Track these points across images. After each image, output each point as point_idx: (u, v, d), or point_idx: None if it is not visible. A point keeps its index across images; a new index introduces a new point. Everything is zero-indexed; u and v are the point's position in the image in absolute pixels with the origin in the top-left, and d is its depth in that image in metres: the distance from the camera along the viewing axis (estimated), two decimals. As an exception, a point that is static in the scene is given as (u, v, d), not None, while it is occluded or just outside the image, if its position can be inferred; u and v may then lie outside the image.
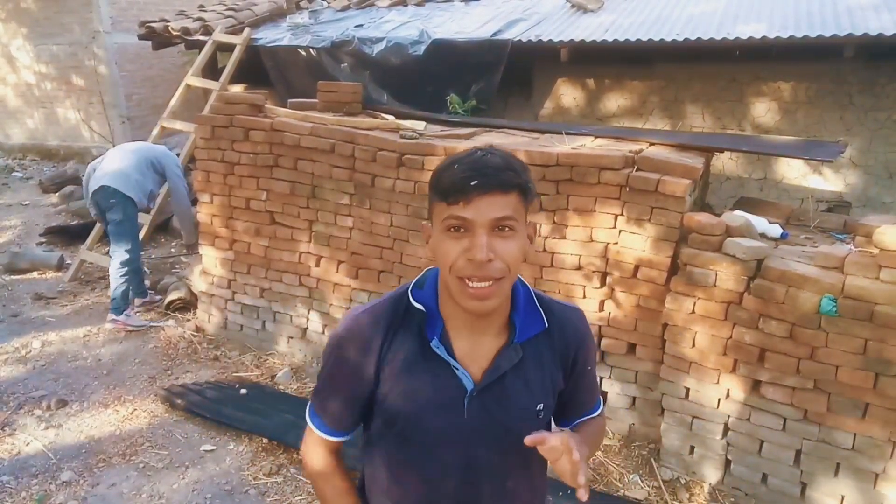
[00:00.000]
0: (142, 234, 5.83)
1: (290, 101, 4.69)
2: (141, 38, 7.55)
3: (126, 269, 4.68)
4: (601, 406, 1.40)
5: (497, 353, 1.17)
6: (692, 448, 3.14)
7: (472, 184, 1.04)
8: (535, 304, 1.21)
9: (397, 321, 1.19)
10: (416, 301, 1.19)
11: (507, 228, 1.07)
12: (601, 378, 3.42)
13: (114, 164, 4.72)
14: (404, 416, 1.18)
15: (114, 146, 4.74)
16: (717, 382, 2.98)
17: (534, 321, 1.19)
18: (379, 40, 6.16)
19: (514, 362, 1.17)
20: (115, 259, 4.69)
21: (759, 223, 3.14)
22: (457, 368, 1.16)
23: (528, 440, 1.07)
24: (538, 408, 1.20)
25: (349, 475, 1.32)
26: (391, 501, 1.26)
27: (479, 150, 1.11)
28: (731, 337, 2.90)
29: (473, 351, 1.17)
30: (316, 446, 1.28)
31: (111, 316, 4.70)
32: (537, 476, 1.32)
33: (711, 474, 3.12)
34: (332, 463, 1.28)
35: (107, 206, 4.66)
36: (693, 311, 2.97)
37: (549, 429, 1.24)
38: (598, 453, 3.33)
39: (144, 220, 5.85)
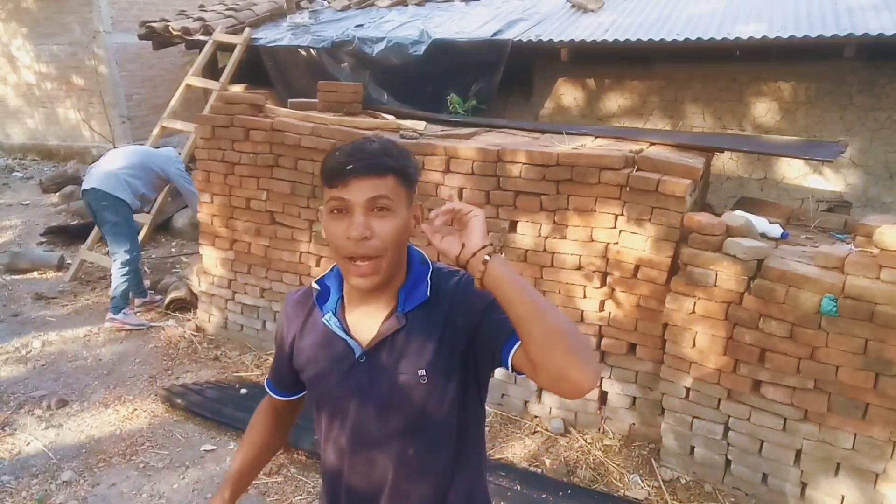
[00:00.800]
0: (142, 234, 5.84)
1: (290, 101, 4.69)
2: (141, 38, 7.55)
3: (127, 268, 4.69)
4: None
5: (382, 322, 1.26)
6: (692, 448, 3.14)
7: (347, 168, 1.13)
8: (426, 278, 1.28)
9: (309, 303, 1.35)
10: (317, 283, 1.34)
11: (383, 209, 1.15)
12: (601, 378, 3.42)
13: (105, 167, 4.73)
14: (309, 382, 1.34)
15: (114, 146, 4.73)
16: (718, 382, 2.98)
17: (418, 292, 1.26)
18: (379, 40, 6.16)
19: (393, 329, 1.24)
20: (117, 260, 4.70)
21: (760, 223, 3.15)
22: (345, 338, 1.27)
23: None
24: (419, 373, 1.23)
25: (274, 432, 1.54)
26: (324, 455, 1.39)
27: (363, 139, 1.20)
28: (731, 337, 2.90)
29: (363, 322, 1.27)
30: (263, 401, 1.55)
31: (110, 315, 4.71)
32: (449, 452, 1.30)
33: (711, 474, 3.12)
34: (266, 412, 1.53)
35: (98, 207, 4.68)
36: (693, 311, 2.97)
37: (439, 394, 1.24)
38: (598, 453, 3.34)
39: (144, 220, 5.86)
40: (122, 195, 4.65)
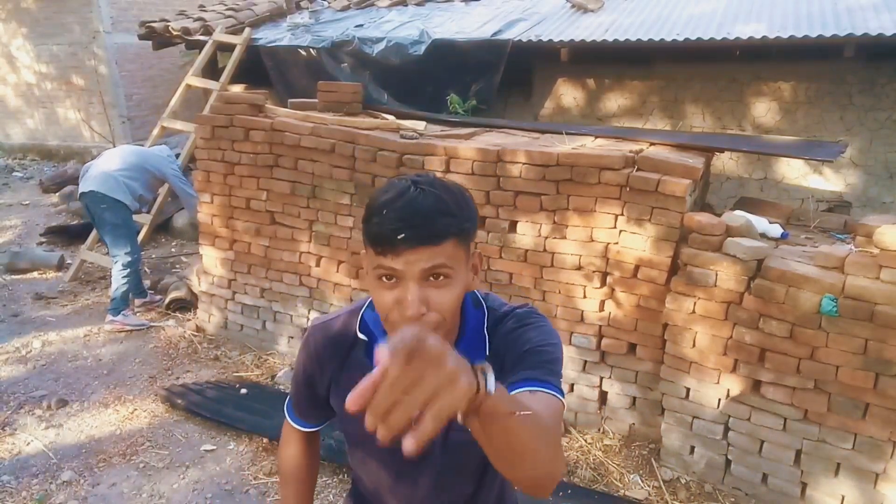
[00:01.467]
0: (142, 235, 5.84)
1: (290, 101, 4.68)
2: (141, 38, 7.54)
3: (129, 270, 4.68)
4: (549, 387, 1.07)
5: None
6: (692, 448, 3.14)
7: (399, 237, 0.97)
8: (482, 330, 1.16)
9: (348, 342, 1.21)
10: (362, 331, 1.20)
11: (441, 276, 1.00)
12: (601, 378, 3.43)
13: (103, 168, 4.70)
14: (349, 422, 1.22)
15: (114, 146, 4.71)
16: (718, 382, 2.98)
17: (476, 350, 1.13)
18: (379, 40, 6.16)
19: None
20: (118, 262, 4.68)
21: (760, 223, 3.15)
22: None
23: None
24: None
25: (313, 462, 1.45)
26: (357, 481, 1.38)
27: (412, 186, 1.00)
28: (731, 337, 2.90)
29: None
30: (289, 432, 1.43)
31: (109, 317, 4.71)
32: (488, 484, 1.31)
33: (711, 474, 3.12)
34: (299, 445, 1.41)
35: (97, 210, 4.67)
36: (693, 311, 2.97)
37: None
38: (598, 453, 3.34)
39: (144, 220, 5.86)
40: (121, 197, 4.64)
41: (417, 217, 0.97)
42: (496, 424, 0.81)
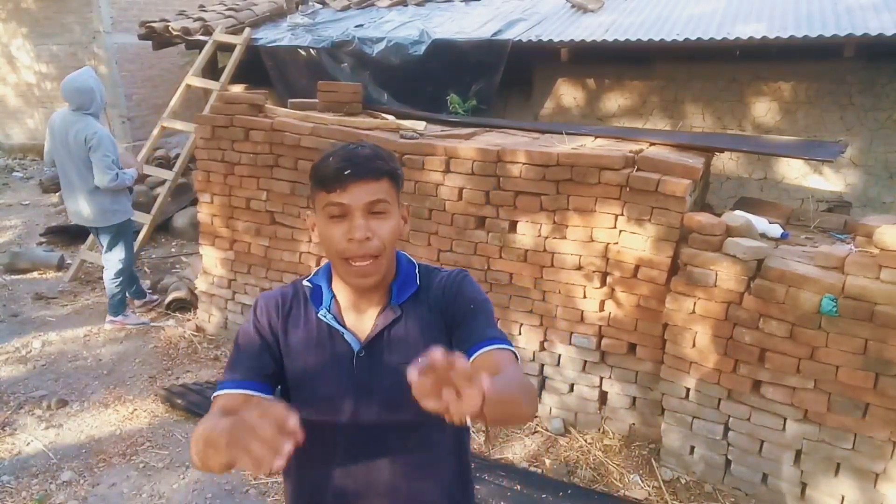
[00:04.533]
0: (142, 234, 5.85)
1: (290, 101, 4.68)
2: (141, 38, 7.54)
3: (120, 278, 4.64)
4: (503, 343, 1.24)
5: (377, 315, 1.30)
6: (692, 448, 3.14)
7: (346, 173, 1.17)
8: (414, 271, 1.35)
9: (291, 301, 1.34)
10: (308, 282, 1.35)
11: (380, 212, 1.21)
12: (601, 378, 3.43)
13: (79, 197, 4.40)
14: (302, 383, 1.30)
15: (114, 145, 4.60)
16: (717, 382, 2.98)
17: (409, 284, 1.33)
18: (379, 40, 6.15)
19: (390, 319, 1.28)
20: (110, 269, 4.62)
21: (760, 223, 3.15)
22: (343, 332, 1.28)
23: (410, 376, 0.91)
24: (419, 360, 1.19)
25: None
26: (298, 462, 1.23)
27: (350, 144, 1.25)
28: (731, 337, 2.90)
29: (359, 319, 1.30)
30: (212, 409, 1.23)
31: (109, 317, 4.71)
32: (447, 445, 1.35)
33: (711, 474, 3.12)
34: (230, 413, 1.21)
35: (92, 230, 4.67)
36: (693, 311, 2.97)
37: None
38: (598, 453, 3.34)
39: (144, 220, 5.86)
40: (116, 220, 4.49)
41: (359, 158, 1.20)
42: (493, 408, 0.96)
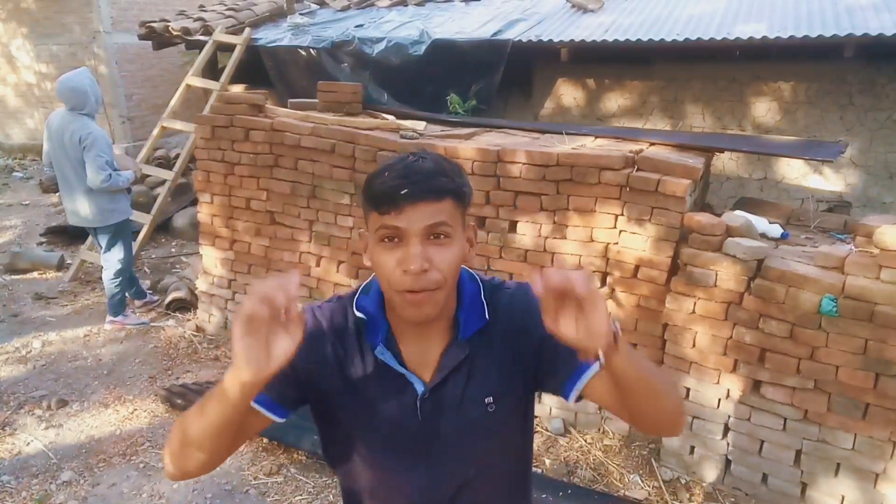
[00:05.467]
0: (142, 234, 5.84)
1: (290, 101, 4.68)
2: (141, 38, 7.55)
3: (119, 278, 4.63)
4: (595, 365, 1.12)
5: (443, 352, 1.15)
6: (692, 448, 3.14)
7: (402, 192, 1.00)
8: (480, 298, 1.17)
9: (341, 326, 1.16)
10: (359, 310, 1.16)
11: (441, 236, 1.03)
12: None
13: (77, 197, 4.40)
14: (361, 424, 1.16)
15: (114, 144, 4.63)
16: (718, 382, 2.98)
17: (476, 316, 1.15)
18: (379, 40, 6.16)
19: (459, 359, 1.13)
20: (109, 269, 4.61)
21: (760, 223, 3.14)
22: (405, 373, 1.13)
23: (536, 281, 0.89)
24: (487, 400, 1.14)
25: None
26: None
27: (410, 155, 1.07)
28: (731, 337, 2.90)
29: (422, 354, 1.14)
30: None
31: (109, 317, 4.71)
32: (513, 478, 1.30)
33: (711, 474, 3.12)
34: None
35: (90, 231, 4.65)
36: (693, 311, 2.97)
37: (506, 418, 1.19)
38: (598, 453, 3.34)
39: (144, 220, 5.86)
40: (109, 221, 4.47)
41: (418, 174, 1.02)
42: (633, 364, 0.97)
